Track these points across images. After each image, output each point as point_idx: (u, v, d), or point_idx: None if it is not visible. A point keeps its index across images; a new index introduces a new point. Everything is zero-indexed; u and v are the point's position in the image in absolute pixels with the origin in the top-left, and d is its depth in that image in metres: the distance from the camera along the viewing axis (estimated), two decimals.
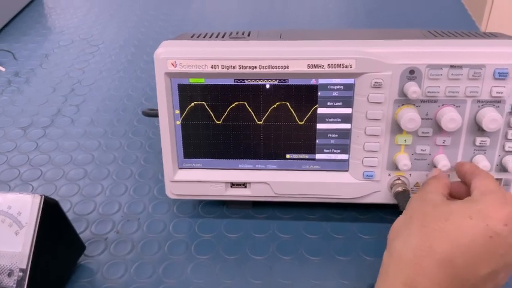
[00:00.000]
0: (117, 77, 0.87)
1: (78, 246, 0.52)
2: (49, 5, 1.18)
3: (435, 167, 0.50)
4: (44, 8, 1.17)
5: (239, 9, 1.13)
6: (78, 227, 0.56)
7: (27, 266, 0.44)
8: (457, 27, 0.98)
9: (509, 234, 0.39)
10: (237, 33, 0.54)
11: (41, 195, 0.46)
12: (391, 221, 0.56)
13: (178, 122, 0.52)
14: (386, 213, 0.57)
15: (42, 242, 0.45)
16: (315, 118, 0.51)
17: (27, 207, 0.46)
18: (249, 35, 0.54)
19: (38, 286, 0.45)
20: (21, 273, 0.44)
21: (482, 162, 0.49)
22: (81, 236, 0.53)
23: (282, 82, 0.49)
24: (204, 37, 0.53)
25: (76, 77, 0.87)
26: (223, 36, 0.53)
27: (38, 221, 0.45)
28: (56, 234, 0.48)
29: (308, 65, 0.48)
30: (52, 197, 0.48)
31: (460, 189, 0.46)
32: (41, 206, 0.46)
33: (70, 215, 0.58)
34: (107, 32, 1.03)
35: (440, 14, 1.07)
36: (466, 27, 0.98)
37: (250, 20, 1.07)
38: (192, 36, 0.54)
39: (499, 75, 0.47)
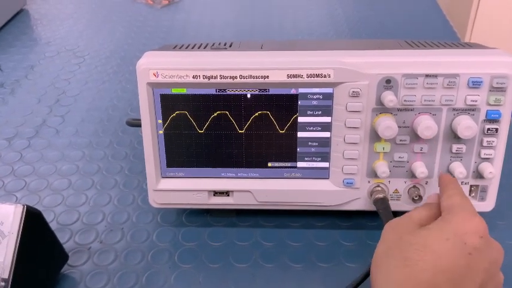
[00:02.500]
0: (103, 87, 0.87)
1: (61, 256, 0.52)
2: (35, 16, 1.18)
3: (413, 174, 0.51)
4: (30, 19, 1.17)
5: (225, 21, 1.14)
6: (62, 237, 0.56)
7: (9, 275, 0.44)
8: (439, 38, 1.00)
9: (486, 246, 0.39)
10: (219, 44, 0.55)
11: (24, 205, 0.46)
12: (372, 228, 0.57)
13: (161, 132, 0.52)
14: (368, 220, 0.58)
15: (24, 251, 0.45)
16: (295, 127, 0.52)
17: (9, 217, 0.46)
18: (230, 46, 0.55)
19: None
20: (3, 283, 0.44)
21: (458, 169, 0.50)
22: (64, 246, 0.53)
23: (262, 92, 0.50)
24: (186, 48, 0.54)
25: (61, 88, 0.88)
26: (205, 47, 0.54)
27: (21, 230, 0.45)
28: (38, 244, 0.48)
29: (288, 75, 0.49)
30: (36, 207, 0.48)
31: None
32: (24, 215, 0.46)
33: (54, 225, 0.58)
34: (93, 43, 1.04)
35: (423, 26, 1.09)
36: (449, 39, 1.00)
37: (236, 31, 1.09)
38: (174, 47, 0.54)
39: (473, 84, 0.48)
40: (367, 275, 0.46)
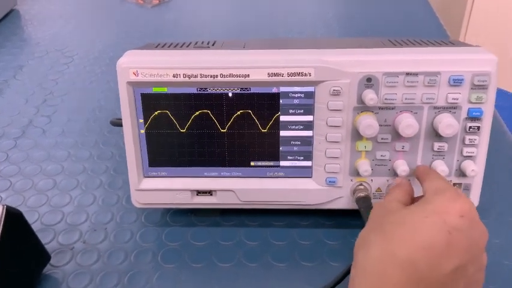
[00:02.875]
0: (90, 87, 0.87)
1: (43, 256, 0.52)
2: (26, 16, 1.18)
3: (396, 172, 0.51)
4: (20, 19, 1.17)
5: (216, 21, 1.14)
6: (45, 237, 0.56)
7: None
8: (429, 37, 1.00)
9: (468, 227, 0.39)
10: (202, 43, 0.55)
11: (3, 205, 0.46)
12: (356, 227, 0.57)
13: (143, 131, 0.52)
14: (352, 219, 0.58)
15: (4, 252, 0.45)
16: (277, 126, 0.52)
17: None
18: (213, 45, 0.55)
19: None
20: None
21: (440, 167, 0.50)
22: (47, 246, 0.53)
23: (244, 90, 0.50)
24: (169, 47, 0.54)
25: (49, 88, 0.87)
26: (188, 46, 0.54)
27: (0, 231, 0.45)
28: (19, 244, 0.48)
29: (268, 74, 0.48)
30: (20, 207, 0.48)
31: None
32: (3, 216, 0.46)
33: (37, 226, 0.58)
34: (82, 44, 1.03)
35: (413, 26, 1.09)
36: (439, 38, 1.00)
37: (227, 31, 1.08)
38: (156, 46, 0.54)
39: (454, 82, 0.48)
40: (349, 271, 0.46)
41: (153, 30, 1.09)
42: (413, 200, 0.47)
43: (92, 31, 1.10)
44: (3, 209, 0.46)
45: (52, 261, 0.53)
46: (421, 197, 0.44)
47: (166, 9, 1.21)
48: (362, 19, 1.13)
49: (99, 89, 0.87)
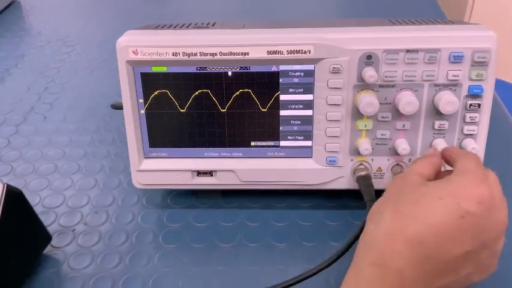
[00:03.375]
0: (92, 75, 0.87)
1: (43, 237, 0.52)
2: (27, 7, 1.18)
3: (396, 151, 0.51)
4: (21, 10, 1.17)
5: (219, 9, 1.14)
6: (46, 219, 0.56)
7: None
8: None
9: (484, 214, 0.38)
10: (202, 23, 0.55)
11: (4, 184, 0.46)
12: (357, 208, 0.57)
13: (143, 111, 0.52)
14: (353, 200, 0.58)
15: (4, 230, 0.45)
16: (277, 105, 0.52)
17: None
18: (213, 25, 0.55)
19: (1, 274, 0.45)
20: None
21: (441, 145, 0.50)
22: (49, 228, 0.53)
23: (243, 69, 0.50)
24: (168, 27, 0.54)
25: (51, 76, 0.87)
26: (187, 27, 0.54)
27: (0, 209, 0.45)
28: (19, 223, 0.48)
29: (268, 51, 0.48)
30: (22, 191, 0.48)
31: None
32: (3, 194, 0.46)
33: (38, 208, 0.58)
34: (84, 33, 1.04)
35: (412, 9, 1.09)
36: None
37: (230, 17, 1.08)
38: (156, 27, 0.54)
39: (455, 59, 0.48)
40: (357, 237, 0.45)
41: (155, 20, 1.09)
42: (438, 175, 0.45)
43: (93, 21, 1.10)
44: (3, 187, 0.46)
45: (53, 242, 0.54)
46: (449, 172, 0.43)
47: None
48: (361, 4, 1.12)
49: (101, 76, 0.87)
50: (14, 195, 0.47)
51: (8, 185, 0.46)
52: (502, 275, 0.44)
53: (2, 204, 0.45)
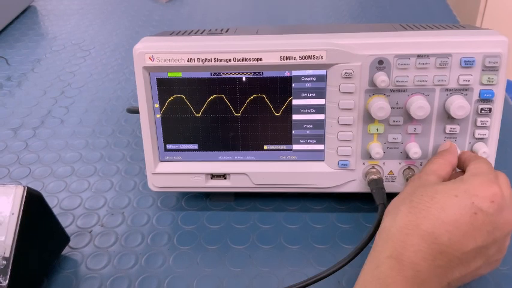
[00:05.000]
0: (107, 79, 0.89)
1: (62, 238, 0.53)
2: (42, 12, 1.20)
3: (408, 155, 0.52)
4: (37, 15, 1.19)
5: (229, 16, 1.15)
6: (64, 221, 0.58)
7: (10, 254, 0.46)
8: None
9: (496, 212, 0.40)
10: (216, 29, 0.56)
11: (24, 186, 0.48)
12: (368, 211, 0.58)
13: (158, 116, 0.53)
14: (364, 203, 0.58)
15: (25, 231, 0.47)
16: (290, 109, 0.53)
17: (10, 198, 0.47)
18: (227, 31, 0.56)
19: (22, 274, 0.47)
20: (4, 262, 0.46)
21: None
22: (66, 229, 0.54)
23: (257, 75, 0.51)
24: (183, 34, 0.55)
25: (66, 80, 0.89)
26: (201, 33, 0.55)
27: (21, 211, 0.47)
28: (39, 224, 0.49)
29: (281, 57, 0.49)
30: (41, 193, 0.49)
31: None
32: (24, 197, 0.47)
33: (56, 210, 0.60)
34: (98, 37, 1.05)
35: (424, 13, 1.09)
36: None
37: (240, 24, 1.09)
38: (171, 33, 0.55)
39: (466, 64, 0.48)
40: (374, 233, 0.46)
41: (167, 25, 1.11)
42: (452, 175, 0.47)
43: (107, 26, 1.12)
44: (24, 190, 0.47)
45: (71, 243, 0.55)
46: (461, 173, 0.45)
47: (181, 3, 1.22)
48: (373, 8, 1.13)
49: (116, 80, 0.88)
50: (35, 198, 0.48)
51: (28, 188, 0.48)
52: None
53: (23, 207, 0.47)
